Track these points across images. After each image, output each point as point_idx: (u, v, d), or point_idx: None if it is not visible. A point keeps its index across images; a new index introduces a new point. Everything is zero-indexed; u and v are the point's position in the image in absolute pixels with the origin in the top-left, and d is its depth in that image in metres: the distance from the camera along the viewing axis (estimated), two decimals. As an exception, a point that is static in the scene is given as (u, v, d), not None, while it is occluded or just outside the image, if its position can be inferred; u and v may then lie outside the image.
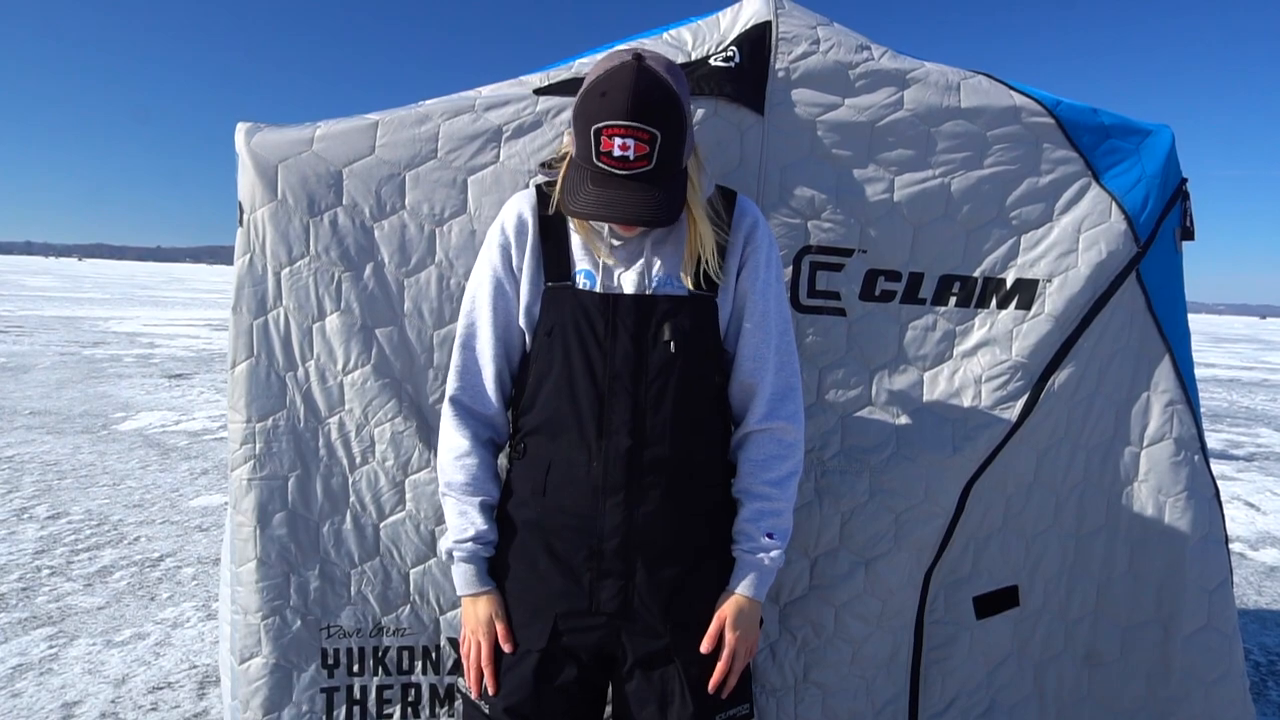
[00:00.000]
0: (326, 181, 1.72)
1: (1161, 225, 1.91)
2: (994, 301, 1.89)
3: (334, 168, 1.72)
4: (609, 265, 1.41)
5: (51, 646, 2.99)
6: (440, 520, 1.77)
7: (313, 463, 1.76)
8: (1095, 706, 2.05)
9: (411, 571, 1.79)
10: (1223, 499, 2.03)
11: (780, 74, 1.78)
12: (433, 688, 1.82)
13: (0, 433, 6.33)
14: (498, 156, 1.75)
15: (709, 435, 1.48)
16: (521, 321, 1.46)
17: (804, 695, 1.86)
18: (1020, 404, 1.88)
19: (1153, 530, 1.98)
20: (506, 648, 1.43)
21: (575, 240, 1.44)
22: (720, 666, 1.40)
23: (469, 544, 1.44)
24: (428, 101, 1.78)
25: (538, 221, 1.45)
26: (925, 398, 1.89)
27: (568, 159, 1.39)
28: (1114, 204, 1.87)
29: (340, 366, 1.75)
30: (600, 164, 1.29)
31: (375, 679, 1.79)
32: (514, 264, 1.45)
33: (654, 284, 1.40)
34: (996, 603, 1.97)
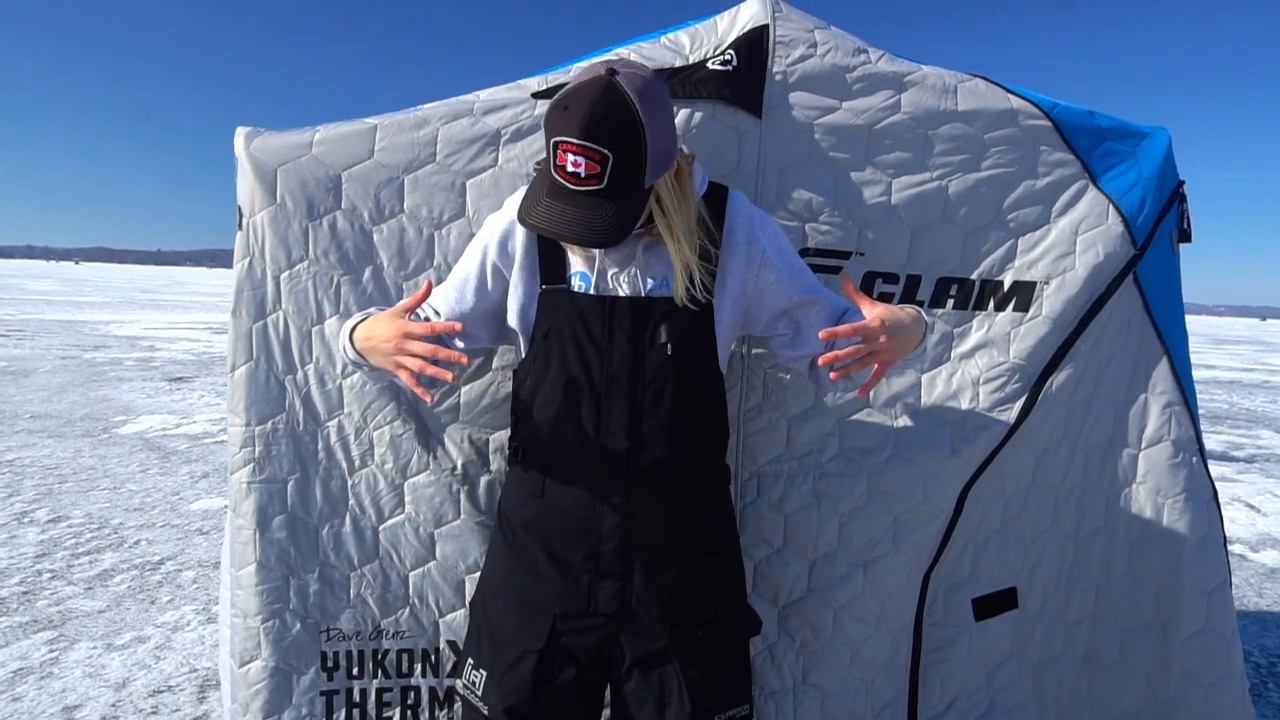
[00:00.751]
0: (325, 185, 1.72)
1: (1159, 227, 1.91)
2: (992, 303, 1.90)
3: (333, 172, 1.72)
4: (604, 268, 1.41)
5: (52, 650, 2.99)
6: (439, 522, 1.78)
7: (312, 466, 1.76)
8: (1094, 708, 2.05)
9: (411, 574, 1.79)
10: (1223, 501, 2.03)
11: (778, 77, 1.79)
12: (432, 690, 1.82)
13: (1, 436, 6.33)
14: (496, 160, 1.75)
15: (707, 436, 1.48)
16: (516, 324, 1.46)
17: (803, 697, 1.86)
18: (1018, 406, 1.88)
19: (1151, 532, 1.98)
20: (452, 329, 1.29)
21: None
22: (875, 366, 1.31)
23: (359, 314, 1.46)
24: (426, 105, 1.79)
25: None
26: (923, 400, 1.89)
27: (541, 166, 1.38)
28: (1111, 206, 1.88)
29: (339, 370, 1.75)
30: (557, 176, 1.28)
31: (375, 682, 1.79)
32: (499, 263, 1.46)
33: (649, 287, 1.40)
34: (995, 604, 1.97)
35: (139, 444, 6.36)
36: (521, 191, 1.52)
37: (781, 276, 1.47)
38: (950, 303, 1.89)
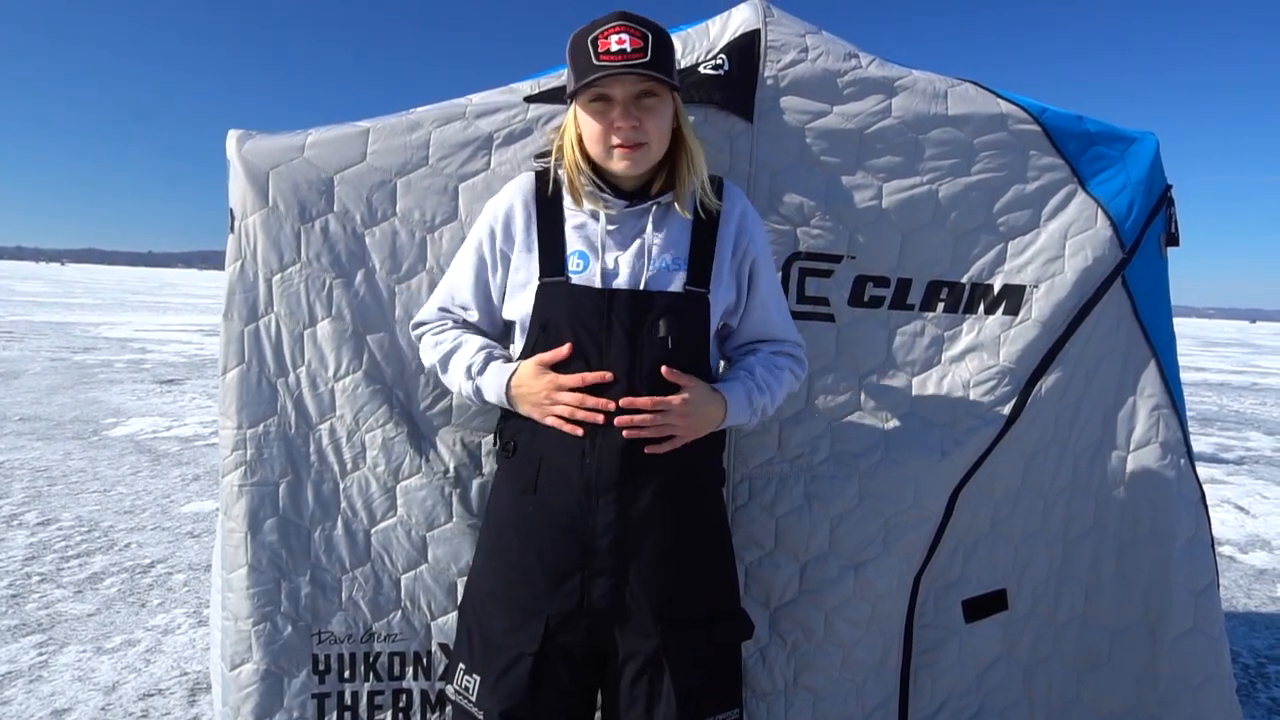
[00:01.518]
0: (318, 188, 1.72)
1: (1147, 231, 1.93)
2: (981, 307, 1.91)
3: (325, 175, 1.72)
4: (606, 244, 1.42)
5: (41, 654, 2.97)
6: (431, 525, 1.78)
7: (304, 469, 1.76)
8: (1084, 710, 2.06)
9: (402, 577, 1.79)
10: (1212, 503, 2.04)
11: (769, 82, 1.80)
12: (424, 693, 1.82)
13: (-10, 439, 6.29)
14: (489, 164, 1.76)
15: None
16: (515, 314, 1.48)
17: (794, 699, 1.86)
18: (1008, 409, 1.89)
19: (1139, 534, 2.00)
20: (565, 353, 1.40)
21: (570, 221, 1.45)
22: (647, 404, 1.36)
23: (480, 353, 1.49)
24: (419, 109, 1.79)
25: (535, 207, 1.48)
26: (914, 403, 1.90)
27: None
28: (1100, 210, 1.89)
29: (331, 373, 1.75)
30: (601, 63, 1.34)
31: (366, 685, 1.79)
32: (504, 247, 1.50)
33: (652, 269, 1.42)
34: (985, 606, 1.98)
35: (130, 446, 6.32)
36: (518, 178, 1.54)
37: (760, 270, 1.54)
38: (940, 306, 1.90)
